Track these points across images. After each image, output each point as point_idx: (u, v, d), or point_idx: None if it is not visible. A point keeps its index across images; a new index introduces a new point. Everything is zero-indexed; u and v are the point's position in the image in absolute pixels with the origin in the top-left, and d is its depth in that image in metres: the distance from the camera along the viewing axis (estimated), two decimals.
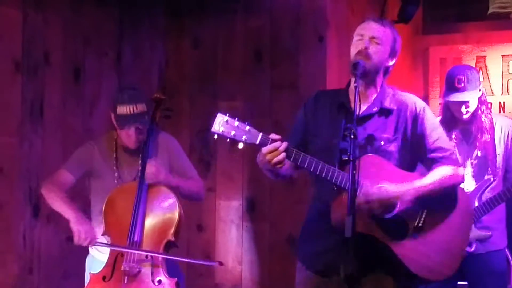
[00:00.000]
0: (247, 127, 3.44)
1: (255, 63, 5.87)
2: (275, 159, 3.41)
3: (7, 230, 4.92)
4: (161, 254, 4.18)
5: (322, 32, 5.66)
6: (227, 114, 3.44)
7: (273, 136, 3.43)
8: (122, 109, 4.25)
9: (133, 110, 4.23)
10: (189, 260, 4.39)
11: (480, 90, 4.65)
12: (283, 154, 3.40)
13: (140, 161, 4.33)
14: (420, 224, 3.61)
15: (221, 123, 3.44)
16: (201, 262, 4.55)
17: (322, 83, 5.52)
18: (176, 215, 4.25)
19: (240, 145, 3.50)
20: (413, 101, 3.73)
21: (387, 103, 3.67)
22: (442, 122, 4.51)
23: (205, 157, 5.78)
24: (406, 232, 3.60)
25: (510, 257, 4.93)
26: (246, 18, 5.90)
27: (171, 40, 6.17)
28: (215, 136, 3.46)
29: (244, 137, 3.42)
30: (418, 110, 3.69)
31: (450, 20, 6.80)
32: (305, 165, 3.47)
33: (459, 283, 4.79)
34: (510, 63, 6.23)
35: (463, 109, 4.60)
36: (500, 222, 4.74)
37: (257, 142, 3.43)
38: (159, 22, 6.15)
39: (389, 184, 3.51)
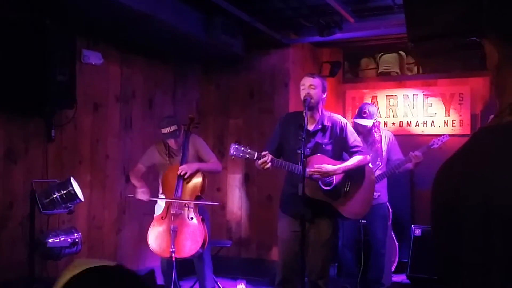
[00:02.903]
0: (248, 150, 3.50)
1: (250, 98, 5.81)
2: (266, 167, 3.47)
3: (111, 190, 4.91)
4: (188, 200, 4.17)
5: (287, 81, 5.63)
6: (236, 143, 3.52)
7: (263, 153, 3.49)
8: (163, 130, 4.24)
9: (169, 130, 4.21)
10: (202, 202, 4.30)
11: (375, 119, 4.66)
12: (269, 164, 3.46)
13: (181, 153, 4.31)
14: (347, 189, 3.62)
15: (233, 149, 3.51)
16: (207, 203, 4.47)
17: (286, 110, 5.45)
18: (201, 181, 4.24)
19: (245, 159, 3.61)
20: (340, 119, 3.74)
21: (326, 122, 3.66)
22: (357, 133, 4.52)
23: (221, 151, 5.73)
24: (340, 194, 3.64)
25: (389, 207, 4.90)
26: (245, 73, 5.85)
27: (203, 85, 6.11)
28: (232, 157, 3.53)
29: (247, 156, 3.49)
30: (342, 124, 3.70)
31: (358, 76, 6.75)
32: (281, 167, 3.52)
33: (361, 221, 4.77)
34: (390, 100, 6.21)
35: (364, 127, 4.63)
36: (384, 187, 4.74)
37: (255, 158, 3.48)
38: (197, 75, 6.10)
39: (329, 165, 3.55)
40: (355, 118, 4.65)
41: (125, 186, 5.03)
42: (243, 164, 5.75)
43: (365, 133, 4.65)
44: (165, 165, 4.40)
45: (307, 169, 3.46)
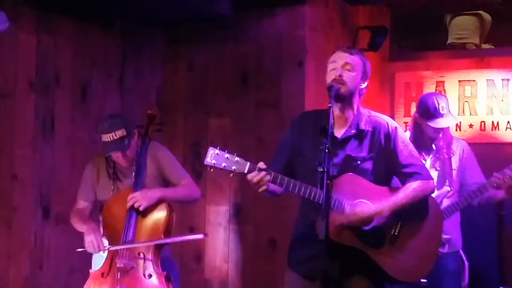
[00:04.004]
0: (236, 158, 3.42)
1: (242, 85, 5.84)
2: (261, 188, 3.44)
3: (20, 230, 4.92)
4: (145, 243, 4.18)
5: (301, 58, 5.64)
6: (218, 148, 3.42)
7: (260, 165, 3.42)
8: (104, 137, 4.25)
9: (113, 137, 4.22)
10: (174, 239, 4.26)
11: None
12: (268, 178, 3.40)
13: (134, 173, 4.34)
14: (396, 233, 3.60)
15: (212, 156, 3.41)
16: (186, 238, 4.45)
17: (301, 103, 5.49)
18: (165, 216, 4.24)
19: (231, 175, 3.48)
20: (386, 121, 3.71)
21: (363, 125, 3.64)
22: (412, 139, 4.50)
23: (197, 168, 5.73)
24: (384, 241, 3.59)
25: (464, 258, 4.90)
26: (234, 45, 5.88)
27: (168, 64, 6.15)
28: (209, 168, 3.44)
29: (233, 167, 3.40)
30: (390, 129, 3.67)
31: (414, 49, 6.80)
32: (290, 188, 3.46)
33: (421, 280, 4.78)
34: (466, 88, 6.23)
35: (436, 132, 4.66)
36: (456, 226, 4.73)
37: (245, 171, 3.41)
38: (158, 48, 6.14)
39: (369, 205, 3.51)
40: (428, 120, 4.63)
41: (42, 224, 5.04)
42: (231, 190, 5.76)
43: (428, 141, 4.67)
44: (108, 193, 4.41)
45: (336, 216, 3.45)
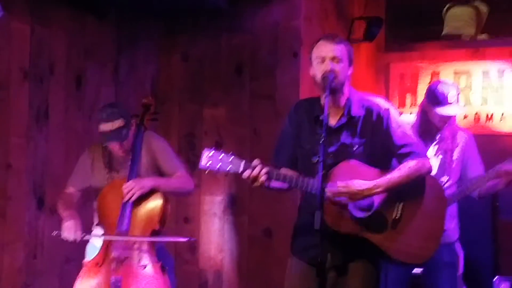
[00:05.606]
0: (231, 158, 3.48)
1: (237, 76, 5.85)
2: (256, 184, 3.47)
3: (15, 220, 4.91)
4: (137, 238, 4.18)
5: (296, 49, 5.65)
6: (212, 149, 3.49)
7: (255, 162, 3.46)
8: (102, 127, 4.27)
9: (112, 127, 4.23)
10: (161, 239, 4.26)
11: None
12: (264, 177, 3.43)
13: (129, 162, 4.34)
14: (398, 216, 3.61)
15: (207, 158, 3.48)
16: (171, 239, 4.44)
17: (296, 94, 5.50)
18: (160, 206, 4.25)
19: (226, 174, 3.56)
20: (378, 103, 3.73)
21: (355, 110, 3.66)
22: (417, 126, 4.61)
23: (192, 158, 5.74)
24: (386, 225, 3.61)
25: (459, 248, 4.90)
26: (229, 36, 5.89)
27: (163, 54, 6.15)
28: (205, 171, 3.51)
29: (228, 167, 3.46)
30: (382, 111, 3.69)
31: (409, 40, 6.79)
32: (286, 182, 3.52)
33: (415, 270, 4.77)
34: (461, 78, 6.24)
35: (442, 120, 4.64)
36: (453, 218, 4.72)
37: (240, 170, 3.46)
38: (153, 38, 6.14)
39: (362, 181, 3.51)
40: (436, 107, 4.61)
41: (36, 214, 5.03)
42: (227, 180, 5.76)
43: (433, 130, 4.67)
44: (102, 182, 4.42)
45: (327, 189, 3.46)
